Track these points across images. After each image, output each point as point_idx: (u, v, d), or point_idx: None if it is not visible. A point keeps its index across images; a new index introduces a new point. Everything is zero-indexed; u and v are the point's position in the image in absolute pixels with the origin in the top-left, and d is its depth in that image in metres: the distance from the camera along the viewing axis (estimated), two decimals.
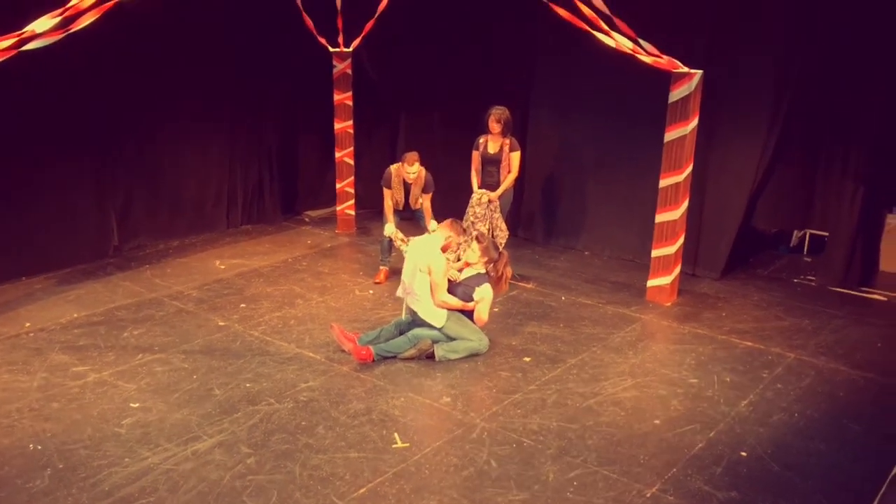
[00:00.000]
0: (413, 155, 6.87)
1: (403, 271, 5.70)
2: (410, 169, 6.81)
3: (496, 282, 5.69)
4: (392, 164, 7.14)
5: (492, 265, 5.68)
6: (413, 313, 5.57)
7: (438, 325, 5.48)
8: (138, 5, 5.59)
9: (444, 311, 5.51)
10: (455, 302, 5.55)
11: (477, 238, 5.78)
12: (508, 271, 5.78)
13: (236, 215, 8.82)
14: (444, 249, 5.62)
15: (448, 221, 5.76)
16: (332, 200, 9.13)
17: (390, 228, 6.75)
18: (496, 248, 5.79)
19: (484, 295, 5.57)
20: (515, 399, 4.95)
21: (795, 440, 4.52)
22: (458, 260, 6.26)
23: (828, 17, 6.50)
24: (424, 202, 7.02)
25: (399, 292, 5.76)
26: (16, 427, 4.49)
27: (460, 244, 5.88)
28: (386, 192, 6.98)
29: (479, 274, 5.68)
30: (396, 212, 7.07)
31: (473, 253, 5.69)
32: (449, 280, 5.64)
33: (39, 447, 4.28)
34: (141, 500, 3.84)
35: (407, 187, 6.97)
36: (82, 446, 4.30)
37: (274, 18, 8.41)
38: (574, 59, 7.67)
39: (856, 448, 4.45)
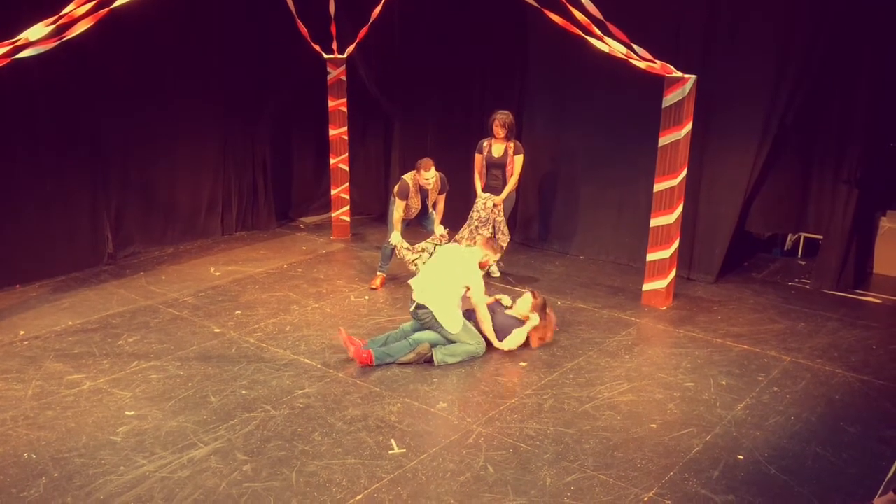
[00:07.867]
0: (428, 161, 6.85)
1: (427, 266, 5.82)
2: (427, 174, 6.81)
3: (535, 340, 5.78)
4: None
5: (537, 322, 5.75)
6: (420, 314, 5.55)
7: (454, 331, 5.51)
8: (131, 13, 5.59)
9: (461, 319, 5.56)
10: (489, 325, 5.66)
11: (533, 293, 5.84)
12: (550, 334, 5.86)
13: (231, 222, 8.81)
14: (481, 266, 5.77)
15: (485, 240, 5.93)
16: (327, 206, 9.13)
17: (397, 237, 6.76)
18: (545, 310, 5.82)
19: (516, 340, 5.70)
20: (512, 404, 4.95)
21: (792, 443, 4.52)
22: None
23: (820, 22, 6.53)
24: (438, 203, 7.08)
25: (413, 283, 5.67)
26: (10, 436, 4.46)
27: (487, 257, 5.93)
28: (399, 202, 6.91)
29: (521, 319, 5.81)
30: (403, 220, 7.05)
31: (525, 304, 5.78)
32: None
33: (34, 456, 4.26)
34: None
35: (423, 193, 7.00)
36: (77, 455, 4.28)
37: (268, 25, 8.42)
38: (568, 64, 7.70)
39: (852, 451, 4.45)
